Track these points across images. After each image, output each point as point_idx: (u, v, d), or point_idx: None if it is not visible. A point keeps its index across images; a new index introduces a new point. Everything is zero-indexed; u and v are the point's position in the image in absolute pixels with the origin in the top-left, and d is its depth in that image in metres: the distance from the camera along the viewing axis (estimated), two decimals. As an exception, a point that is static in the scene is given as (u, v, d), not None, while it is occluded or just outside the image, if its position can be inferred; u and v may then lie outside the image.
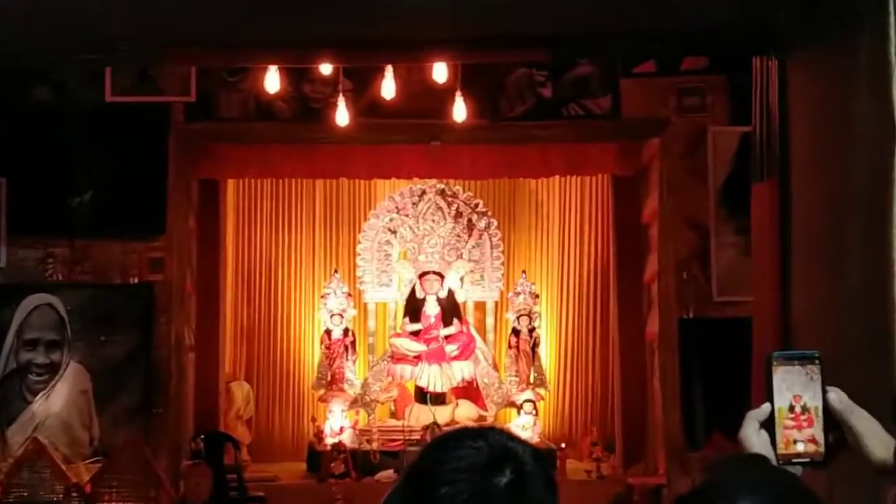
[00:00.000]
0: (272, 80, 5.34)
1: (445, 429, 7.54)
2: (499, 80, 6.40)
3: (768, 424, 1.40)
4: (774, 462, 1.38)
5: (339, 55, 4.18)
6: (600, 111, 6.47)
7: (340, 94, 5.61)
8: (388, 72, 5.27)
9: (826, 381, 1.42)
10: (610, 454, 7.68)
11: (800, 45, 3.13)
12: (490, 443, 1.09)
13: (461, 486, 1.05)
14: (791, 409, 1.40)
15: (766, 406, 1.42)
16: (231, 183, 8.25)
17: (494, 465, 1.06)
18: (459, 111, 5.80)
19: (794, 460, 1.39)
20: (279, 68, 5.54)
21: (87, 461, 5.73)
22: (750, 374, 5.90)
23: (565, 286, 8.69)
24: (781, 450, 1.39)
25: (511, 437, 1.12)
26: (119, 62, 4.80)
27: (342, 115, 5.70)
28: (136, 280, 6.24)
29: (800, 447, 1.40)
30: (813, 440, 1.40)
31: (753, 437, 1.39)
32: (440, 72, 5.15)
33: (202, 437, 6.20)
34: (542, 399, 8.15)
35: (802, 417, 1.41)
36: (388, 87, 5.23)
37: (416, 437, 7.58)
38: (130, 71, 6.12)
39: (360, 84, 6.26)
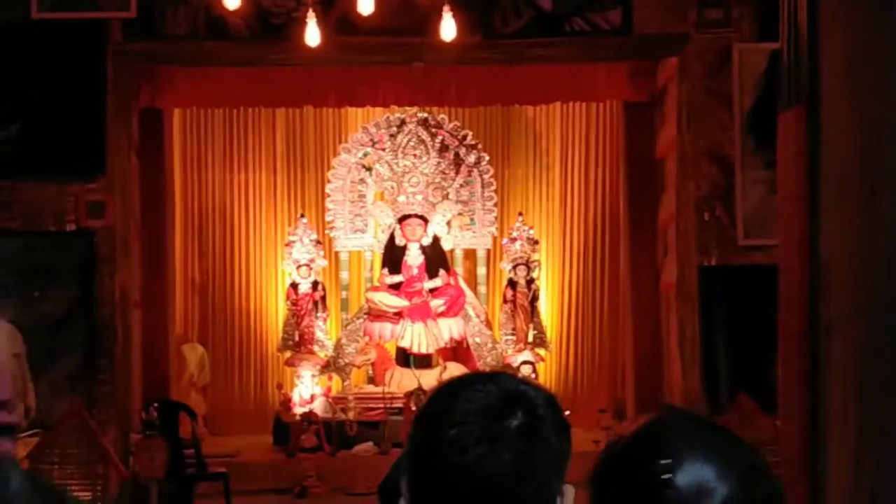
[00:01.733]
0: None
1: (431, 395, 7.78)
2: (491, -10, 6.51)
3: None
4: None
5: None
6: (609, 26, 6.58)
7: (310, 9, 5.71)
8: (365, -18, 5.38)
9: None
10: (620, 422, 7.93)
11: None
12: (500, 386, 1.22)
13: (471, 427, 1.17)
14: None
15: None
16: (177, 113, 8.34)
17: (505, 408, 1.18)
18: (448, 28, 5.91)
19: None
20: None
21: (24, 434, 5.91)
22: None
23: (568, 231, 8.87)
24: None
25: (522, 381, 1.27)
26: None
27: (312, 34, 5.80)
28: (74, 227, 6.35)
29: None
30: None
31: None
32: (424, -18, 5.27)
33: (156, 405, 6.38)
34: (543, 361, 8.37)
35: None
36: (367, 1, 5.34)
37: (399, 405, 7.80)
38: (59, -18, 6.17)
39: (330, -5, 6.35)
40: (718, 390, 6.48)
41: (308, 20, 5.72)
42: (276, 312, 8.79)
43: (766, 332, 6.41)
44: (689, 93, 6.65)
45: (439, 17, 5.89)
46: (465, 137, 8.52)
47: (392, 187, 8.43)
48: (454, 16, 5.87)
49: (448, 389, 1.24)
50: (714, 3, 6.50)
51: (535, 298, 8.39)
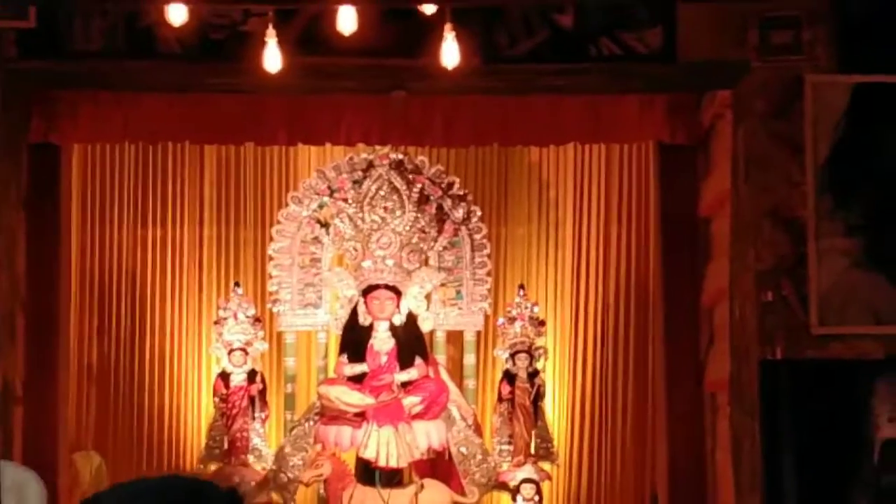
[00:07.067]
0: (176, 11, 5.43)
1: (404, 524, 7.67)
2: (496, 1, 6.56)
3: None
4: None
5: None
6: (646, 49, 6.64)
7: (269, 25, 5.73)
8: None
9: None
10: (650, 562, 7.89)
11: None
12: None
13: None
14: None
15: None
16: (77, 151, 8.27)
17: None
18: (450, 52, 5.94)
19: None
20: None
21: None
22: (870, 441, 6.14)
23: (583, 309, 8.85)
24: None
25: None
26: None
27: (272, 57, 5.81)
28: (-55, 300, 6.28)
29: None
30: None
31: None
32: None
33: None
34: (550, 479, 8.30)
35: None
36: (347, 18, 5.36)
37: (360, 536, 7.72)
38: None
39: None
40: (786, 524, 6.46)
41: (267, 39, 5.73)
42: (198, 411, 8.69)
43: (847, 447, 6.46)
44: (748, 136, 6.70)
45: (435, 36, 5.92)
46: (450, 186, 8.50)
47: (355, 249, 8.37)
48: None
49: None
50: (781, 23, 6.58)
51: (539, 397, 8.34)
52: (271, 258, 8.48)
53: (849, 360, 6.31)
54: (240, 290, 8.44)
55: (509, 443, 8.28)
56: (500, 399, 8.37)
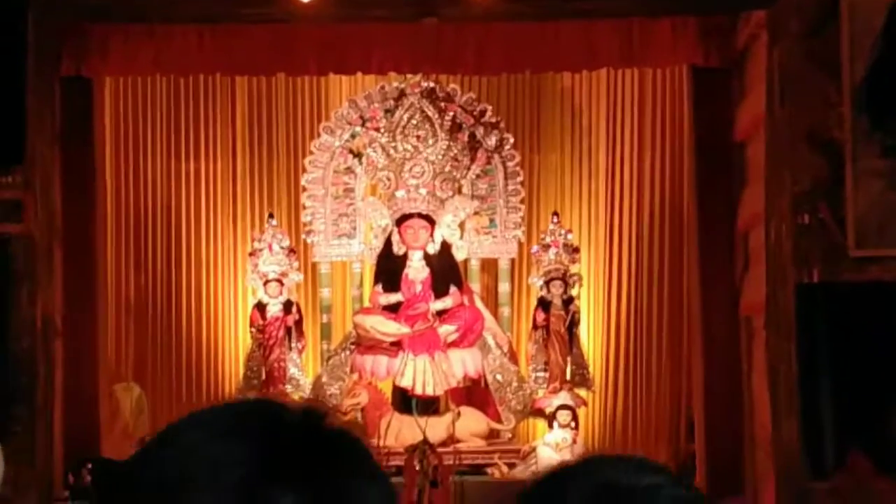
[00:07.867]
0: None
1: (441, 450, 7.71)
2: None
3: None
4: None
5: None
6: (679, -29, 6.55)
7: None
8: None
9: None
10: (687, 484, 7.89)
11: None
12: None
13: None
14: None
15: None
16: (109, 84, 8.28)
17: None
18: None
19: None
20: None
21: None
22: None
23: (617, 235, 8.83)
24: None
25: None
26: None
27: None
28: (-18, 233, 6.30)
29: None
30: None
31: None
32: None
33: (89, 465, 6.31)
34: (585, 404, 8.32)
35: None
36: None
37: (398, 462, 7.74)
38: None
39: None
40: (823, 446, 6.43)
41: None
42: (235, 342, 8.74)
43: (885, 369, 6.41)
44: (783, 57, 6.59)
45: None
46: (482, 114, 8.47)
47: (388, 178, 8.38)
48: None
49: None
50: (816, -60, 6.46)
51: (574, 323, 8.35)
52: (304, 189, 8.49)
53: (886, 282, 6.24)
54: (274, 222, 8.46)
55: (545, 370, 8.30)
56: (535, 326, 8.38)
